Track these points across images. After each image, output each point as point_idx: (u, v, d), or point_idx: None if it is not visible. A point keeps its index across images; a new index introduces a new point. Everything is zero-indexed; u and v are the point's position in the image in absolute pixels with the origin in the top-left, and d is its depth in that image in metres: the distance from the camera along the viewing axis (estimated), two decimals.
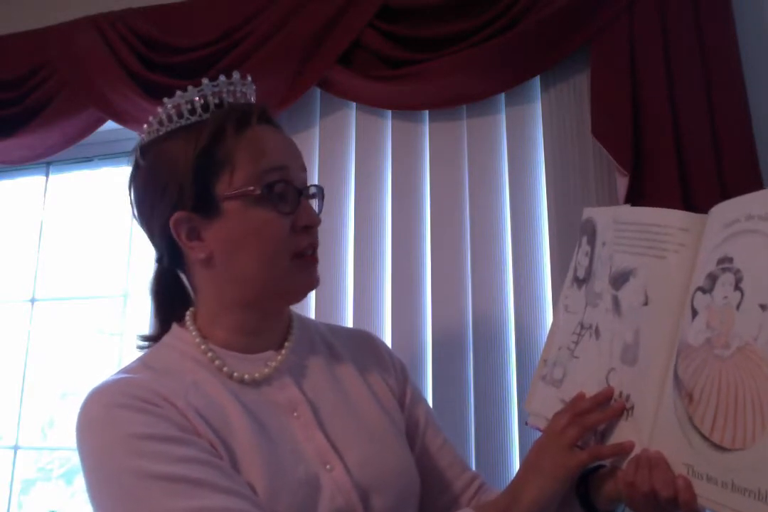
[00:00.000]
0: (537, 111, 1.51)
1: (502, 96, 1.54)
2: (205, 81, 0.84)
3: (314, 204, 0.89)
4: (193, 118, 0.82)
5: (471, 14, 1.47)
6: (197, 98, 0.83)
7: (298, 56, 1.56)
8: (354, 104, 1.62)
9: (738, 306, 0.64)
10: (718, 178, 1.28)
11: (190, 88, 0.84)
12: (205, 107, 0.83)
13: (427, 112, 1.57)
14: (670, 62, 1.36)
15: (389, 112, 1.60)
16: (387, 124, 1.60)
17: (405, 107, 1.56)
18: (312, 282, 0.85)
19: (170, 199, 0.81)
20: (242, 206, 0.80)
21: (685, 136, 1.33)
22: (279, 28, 1.57)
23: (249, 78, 0.89)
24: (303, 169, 0.87)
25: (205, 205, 0.80)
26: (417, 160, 1.57)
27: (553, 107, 1.49)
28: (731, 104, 1.32)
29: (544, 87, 1.51)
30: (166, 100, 0.84)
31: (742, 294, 0.64)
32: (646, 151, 1.35)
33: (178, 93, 0.83)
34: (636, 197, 1.32)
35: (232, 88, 0.85)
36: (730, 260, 0.67)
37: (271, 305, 0.86)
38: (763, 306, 0.61)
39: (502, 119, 1.53)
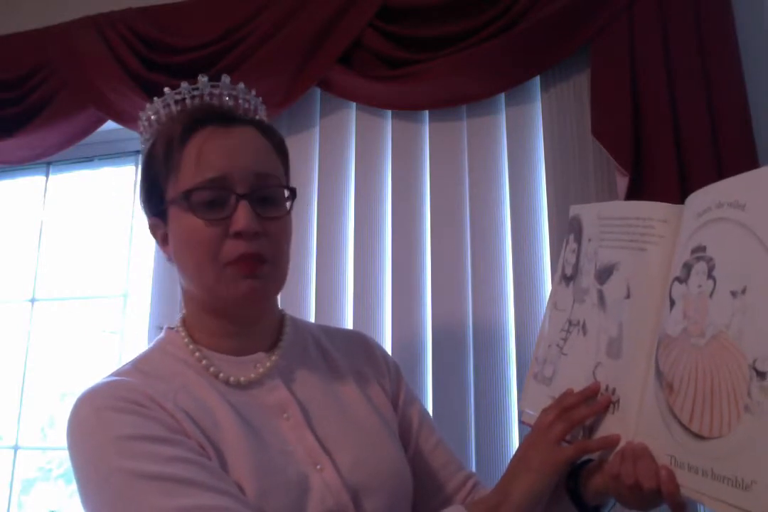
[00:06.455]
0: (537, 111, 1.51)
1: (502, 96, 1.54)
2: (184, 84, 0.85)
3: (287, 208, 0.85)
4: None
5: (471, 14, 1.47)
6: (173, 103, 0.85)
7: (298, 56, 1.55)
8: (354, 104, 1.62)
9: (711, 295, 0.64)
10: (718, 178, 1.26)
11: (167, 89, 0.86)
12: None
13: (427, 112, 1.57)
14: (670, 62, 1.36)
15: (389, 112, 1.60)
16: (387, 124, 1.60)
17: (405, 107, 1.56)
18: (238, 293, 0.79)
19: (146, 205, 0.86)
20: (177, 213, 0.81)
21: (685, 135, 1.32)
22: (279, 28, 1.57)
23: (227, 79, 0.88)
24: (251, 172, 0.80)
25: (162, 211, 0.83)
26: (417, 160, 1.57)
27: (553, 107, 1.49)
28: (731, 104, 1.31)
29: (544, 87, 1.51)
30: (148, 106, 0.87)
31: (715, 282, 0.64)
32: (646, 151, 1.34)
33: (156, 99, 0.86)
34: (636, 197, 1.32)
35: (216, 90, 0.86)
36: (704, 249, 0.67)
37: (227, 311, 0.83)
38: (733, 293, 0.61)
39: (502, 119, 1.53)
